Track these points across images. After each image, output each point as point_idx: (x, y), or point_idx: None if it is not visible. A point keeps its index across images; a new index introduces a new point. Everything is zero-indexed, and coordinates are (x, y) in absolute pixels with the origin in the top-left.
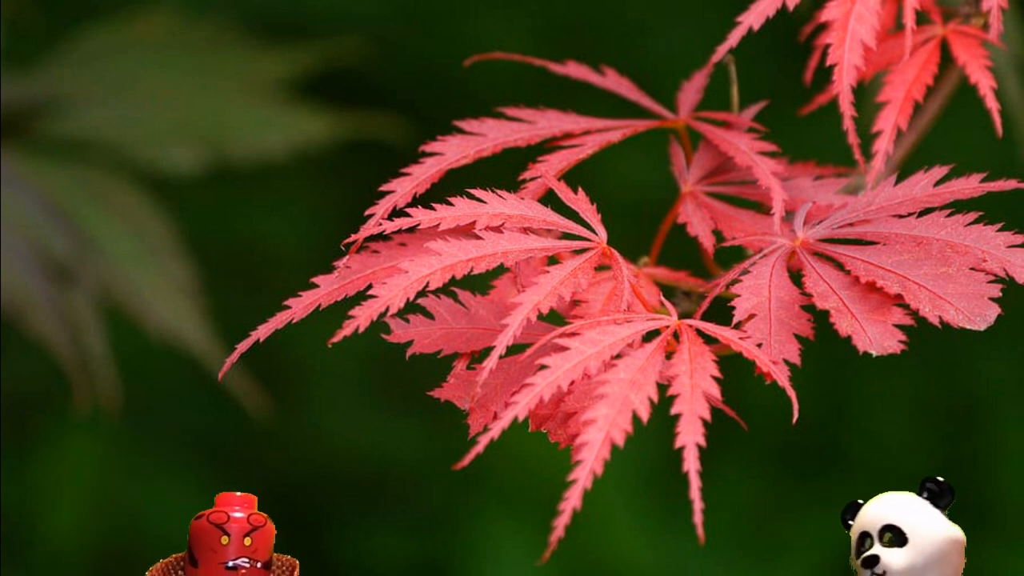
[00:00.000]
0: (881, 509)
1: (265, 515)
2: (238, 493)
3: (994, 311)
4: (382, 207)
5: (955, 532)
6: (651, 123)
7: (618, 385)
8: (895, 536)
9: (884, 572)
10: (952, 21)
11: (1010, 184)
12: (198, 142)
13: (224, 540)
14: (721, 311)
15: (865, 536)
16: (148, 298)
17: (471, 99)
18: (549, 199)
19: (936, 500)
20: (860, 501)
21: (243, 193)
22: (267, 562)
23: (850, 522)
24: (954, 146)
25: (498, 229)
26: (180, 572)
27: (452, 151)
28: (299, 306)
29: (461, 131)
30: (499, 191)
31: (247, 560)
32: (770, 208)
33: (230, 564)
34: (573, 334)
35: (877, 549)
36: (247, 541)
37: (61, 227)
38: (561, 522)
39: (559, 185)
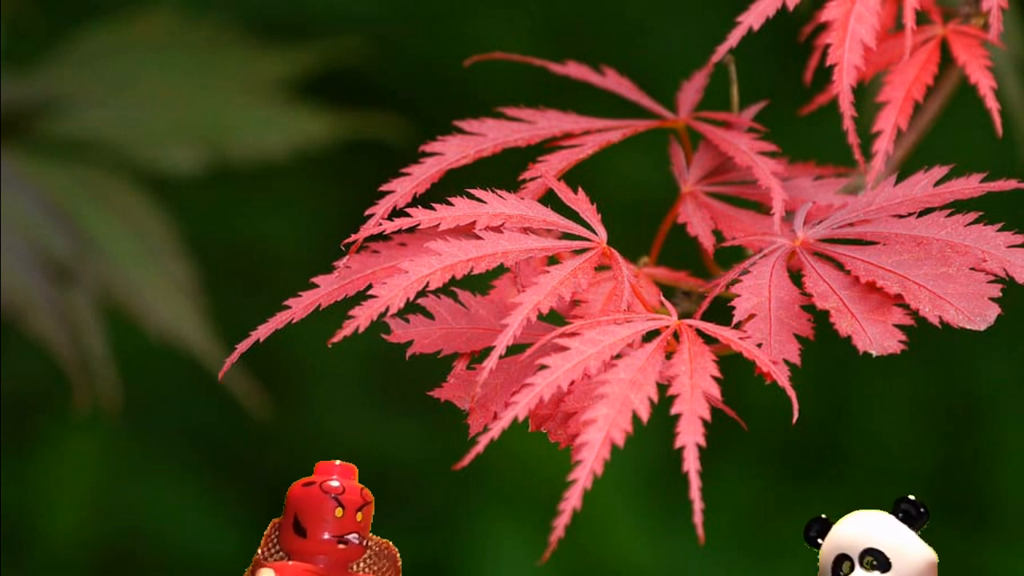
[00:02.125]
0: (861, 530)
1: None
2: (337, 462)
3: (994, 311)
4: (382, 207)
5: (932, 555)
6: (651, 123)
7: (618, 385)
8: (878, 560)
9: None
10: (952, 21)
11: (1010, 184)
12: (198, 142)
13: (339, 512)
14: (721, 311)
15: (843, 558)
16: (148, 298)
17: (471, 99)
18: (549, 199)
19: (912, 522)
20: (824, 516)
21: (243, 193)
22: (368, 541)
23: (818, 540)
24: (954, 146)
25: (498, 229)
26: (276, 538)
27: (452, 151)
28: (299, 306)
29: (461, 131)
30: (499, 191)
31: (357, 536)
32: (770, 208)
33: (341, 538)
34: (573, 334)
35: (862, 574)
36: (359, 516)
37: (61, 227)
38: (561, 522)
39: (559, 185)
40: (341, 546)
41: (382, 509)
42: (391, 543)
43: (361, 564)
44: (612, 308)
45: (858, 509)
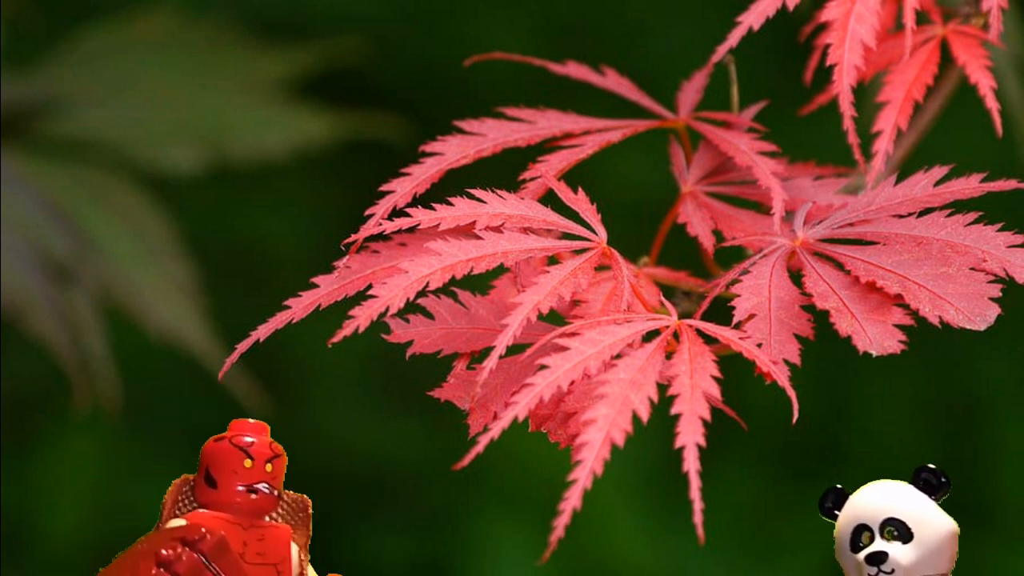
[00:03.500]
0: (881, 500)
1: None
2: (251, 420)
3: (994, 311)
4: (382, 207)
5: (953, 525)
6: (651, 123)
7: (618, 385)
8: (899, 530)
9: (892, 570)
10: (952, 21)
11: (1010, 184)
12: (198, 142)
13: (247, 463)
14: (721, 311)
15: (863, 528)
16: (148, 298)
17: (471, 99)
18: (549, 199)
19: (932, 491)
20: (840, 487)
21: (243, 193)
22: (280, 493)
23: (834, 512)
24: (954, 146)
25: (498, 229)
26: (190, 493)
27: (452, 151)
28: (299, 306)
29: (461, 131)
30: (499, 191)
31: (266, 486)
32: (770, 208)
33: (251, 488)
34: (573, 334)
35: (883, 544)
36: (268, 467)
37: (61, 227)
38: (561, 522)
39: (559, 185)
40: (252, 496)
41: (382, 509)
42: (306, 496)
43: (276, 516)
44: (612, 308)
45: None
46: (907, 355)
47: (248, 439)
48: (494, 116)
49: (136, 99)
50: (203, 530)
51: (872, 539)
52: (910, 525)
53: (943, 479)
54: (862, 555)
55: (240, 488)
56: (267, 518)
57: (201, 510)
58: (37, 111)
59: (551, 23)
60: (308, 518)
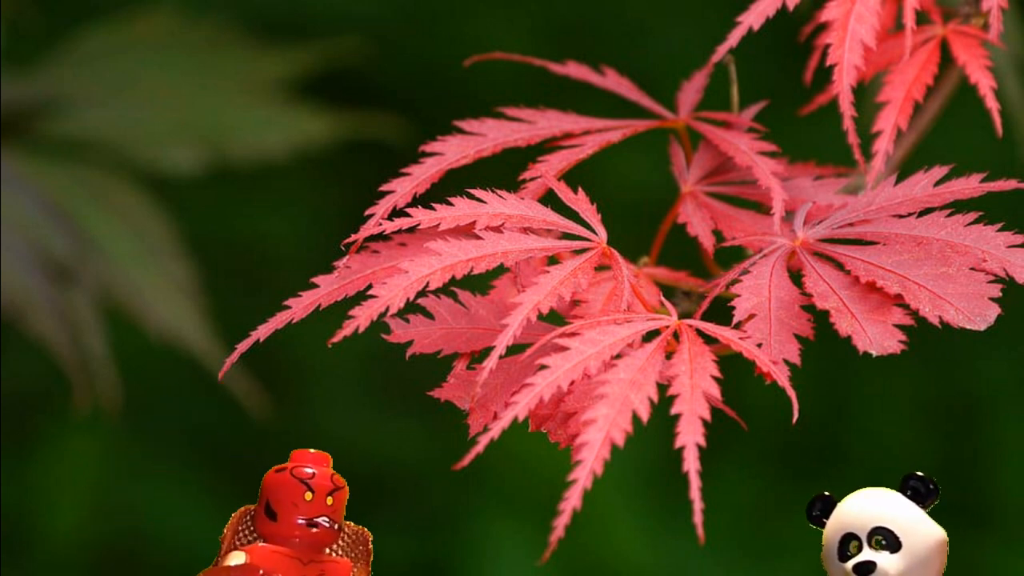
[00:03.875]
0: (869, 508)
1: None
2: (311, 451)
3: (994, 311)
4: (382, 207)
5: (942, 533)
6: (651, 123)
7: (618, 385)
8: (887, 540)
9: None
10: (952, 21)
11: (1010, 184)
12: (198, 142)
13: (308, 496)
14: (721, 311)
15: (850, 538)
16: (148, 298)
17: (471, 99)
18: (549, 199)
19: (920, 499)
20: (827, 494)
21: (243, 193)
22: (341, 526)
23: (822, 519)
24: (954, 146)
25: (498, 229)
26: (250, 524)
27: (452, 151)
28: (299, 306)
29: (461, 131)
30: (499, 191)
31: (327, 520)
32: (770, 208)
33: (312, 521)
34: (573, 334)
35: (870, 554)
36: (329, 500)
37: (61, 227)
38: (561, 522)
39: (559, 185)
40: (312, 529)
41: (382, 509)
42: (366, 529)
43: (337, 549)
44: (612, 308)
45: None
46: (907, 355)
47: (309, 470)
48: (494, 116)
49: (136, 99)
50: (260, 572)
51: (860, 548)
52: (898, 534)
53: (932, 486)
54: (850, 565)
55: (300, 521)
56: (327, 550)
57: (260, 543)
58: (37, 111)
59: (551, 23)
60: (369, 552)
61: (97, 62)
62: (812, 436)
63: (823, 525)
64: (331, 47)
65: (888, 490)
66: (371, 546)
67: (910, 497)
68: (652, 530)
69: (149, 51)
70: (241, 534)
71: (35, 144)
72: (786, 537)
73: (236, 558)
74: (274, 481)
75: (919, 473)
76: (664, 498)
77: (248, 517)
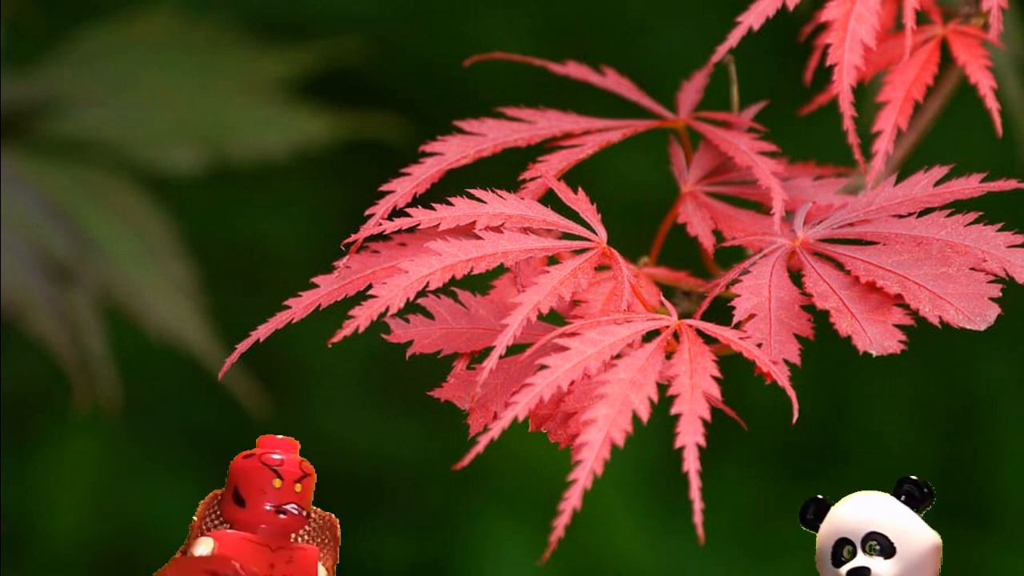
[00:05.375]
0: (863, 513)
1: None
2: (279, 436)
3: (994, 311)
4: (382, 207)
5: (936, 538)
6: (651, 123)
7: (618, 385)
8: (882, 545)
9: None
10: (952, 21)
11: (1010, 184)
12: (198, 142)
13: (277, 483)
14: (721, 311)
15: (844, 542)
16: (148, 298)
17: (471, 99)
18: (549, 199)
19: (915, 503)
20: (821, 497)
21: (243, 193)
22: (308, 512)
23: (816, 523)
24: (954, 146)
25: (498, 229)
26: (218, 509)
27: (452, 151)
28: (299, 306)
29: (461, 131)
30: (499, 191)
31: (295, 507)
32: (770, 208)
33: (280, 508)
34: (573, 334)
35: (865, 560)
36: (297, 487)
37: (61, 227)
38: (561, 522)
39: (559, 185)
40: (280, 516)
41: (382, 509)
42: (333, 516)
43: (304, 535)
44: (612, 308)
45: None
46: (907, 355)
47: (277, 456)
48: (494, 116)
49: (136, 99)
50: (236, 565)
51: (854, 553)
52: (892, 539)
53: (926, 490)
54: (844, 570)
55: (268, 508)
56: (294, 537)
57: (228, 529)
58: (37, 111)
59: (551, 23)
60: (336, 538)
61: (97, 62)
62: (812, 436)
63: (817, 529)
64: (331, 47)
65: (882, 494)
66: (338, 532)
67: (904, 501)
68: (652, 530)
69: (149, 51)
70: (209, 519)
71: (35, 144)
72: (786, 537)
73: (204, 544)
74: (242, 467)
75: (913, 477)
76: (664, 498)
77: (216, 502)
